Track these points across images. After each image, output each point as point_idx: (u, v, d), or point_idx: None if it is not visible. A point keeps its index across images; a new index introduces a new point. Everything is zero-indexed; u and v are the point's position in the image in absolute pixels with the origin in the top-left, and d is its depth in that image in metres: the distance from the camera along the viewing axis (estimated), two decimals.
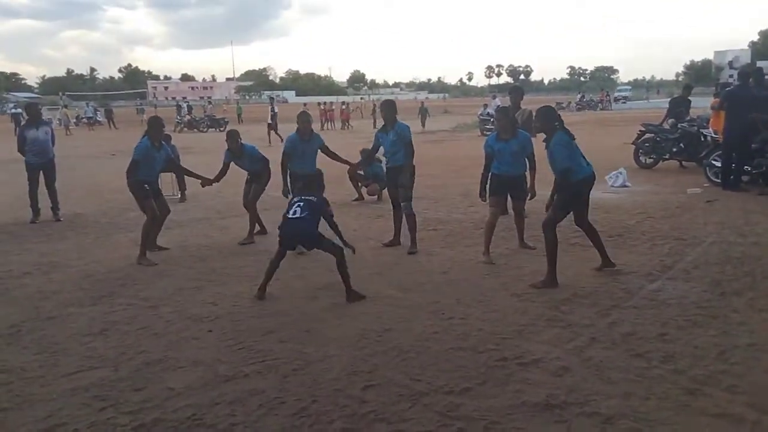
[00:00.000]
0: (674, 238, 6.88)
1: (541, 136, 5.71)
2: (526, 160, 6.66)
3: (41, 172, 9.22)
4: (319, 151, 7.22)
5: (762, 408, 3.23)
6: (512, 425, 3.18)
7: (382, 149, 7.00)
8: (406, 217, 6.83)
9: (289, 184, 7.07)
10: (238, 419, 3.32)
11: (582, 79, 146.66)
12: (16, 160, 10.55)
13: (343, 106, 35.68)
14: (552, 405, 3.35)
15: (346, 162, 7.47)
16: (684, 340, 4.15)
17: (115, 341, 4.48)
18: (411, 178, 6.73)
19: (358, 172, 9.72)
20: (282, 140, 21.50)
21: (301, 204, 5.32)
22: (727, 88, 11.56)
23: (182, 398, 3.57)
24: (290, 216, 5.29)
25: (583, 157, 5.54)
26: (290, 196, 5.58)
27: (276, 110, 25.13)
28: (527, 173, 6.75)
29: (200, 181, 7.48)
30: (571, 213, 5.65)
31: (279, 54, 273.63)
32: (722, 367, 3.73)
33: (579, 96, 52.16)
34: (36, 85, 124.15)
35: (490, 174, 6.59)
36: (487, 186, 6.65)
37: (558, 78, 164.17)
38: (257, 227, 7.67)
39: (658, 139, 12.51)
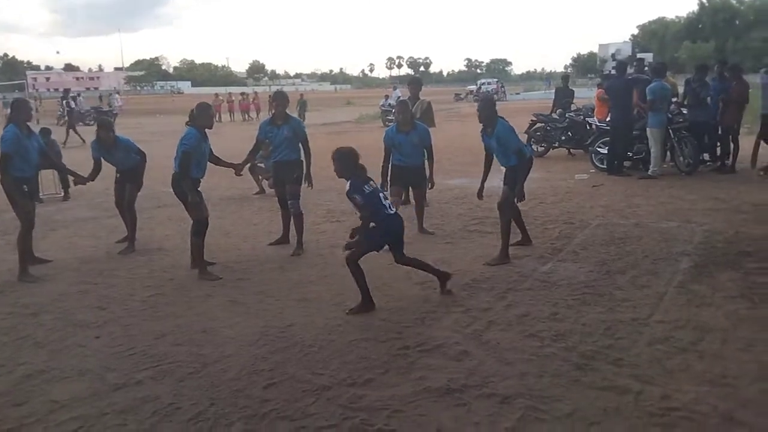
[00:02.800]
0: (564, 222, 7.25)
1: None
2: (425, 151, 6.78)
3: None
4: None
5: (645, 379, 3.45)
6: (415, 412, 3.21)
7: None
8: (294, 217, 6.48)
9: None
10: (129, 429, 3.14)
11: (479, 71, 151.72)
12: None
13: (241, 97, 34.71)
14: (453, 389, 3.42)
15: (230, 165, 6.27)
16: (573, 318, 4.37)
17: None
18: (302, 176, 6.42)
19: (258, 165, 9.49)
20: (83, 140, 19.27)
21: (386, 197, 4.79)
22: (608, 81, 12.31)
23: (67, 410, 3.33)
24: (391, 212, 4.68)
25: None
26: (367, 188, 4.59)
27: (73, 106, 23.01)
28: (425, 163, 6.87)
29: (74, 179, 6.60)
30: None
31: (172, 43, 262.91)
32: (608, 342, 3.96)
33: (476, 87, 53.72)
34: None
35: (390, 165, 6.70)
36: (388, 177, 6.74)
37: (456, 69, 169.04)
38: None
39: (548, 128, 13.12)
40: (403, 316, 4.53)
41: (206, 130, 5.85)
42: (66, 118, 31.41)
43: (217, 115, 30.55)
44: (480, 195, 6.21)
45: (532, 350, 3.88)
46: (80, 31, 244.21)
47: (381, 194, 4.71)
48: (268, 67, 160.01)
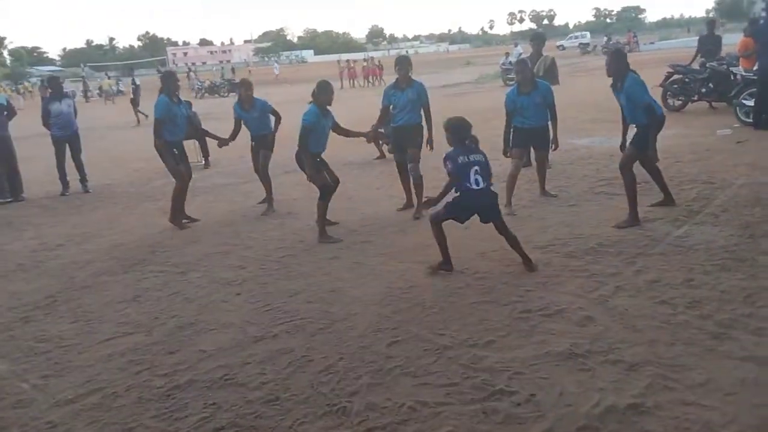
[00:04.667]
0: (702, 182, 6.74)
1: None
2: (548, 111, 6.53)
3: (67, 144, 9.37)
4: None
5: None
6: (536, 375, 3.21)
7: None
8: (414, 181, 6.53)
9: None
10: (268, 377, 3.42)
11: (608, 20, 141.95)
12: (42, 134, 10.73)
13: (365, 63, 35.08)
14: (576, 354, 3.38)
15: (359, 134, 6.57)
16: (710, 285, 4.12)
17: (148, 307, 4.62)
18: (422, 140, 6.46)
19: (379, 130, 9.66)
20: (147, 117, 19.99)
21: (480, 170, 4.69)
22: (754, 26, 11.07)
23: (214, 359, 3.69)
24: (475, 188, 4.65)
25: None
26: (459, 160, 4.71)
27: (138, 83, 22.74)
28: (549, 124, 6.63)
29: (217, 141, 7.26)
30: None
31: (296, 11, 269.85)
32: (749, 310, 3.70)
33: (605, 39, 50.47)
34: (58, 58, 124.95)
35: (512, 129, 6.52)
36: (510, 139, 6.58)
37: (583, 21, 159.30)
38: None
39: (686, 80, 12.10)
40: (525, 280, 4.50)
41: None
42: (202, 91, 33.62)
43: (340, 83, 31.39)
44: (622, 148, 5.93)
45: (663, 317, 3.71)
46: (211, 4, 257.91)
47: (474, 168, 4.66)
48: (387, 31, 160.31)
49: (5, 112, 9.23)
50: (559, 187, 7.12)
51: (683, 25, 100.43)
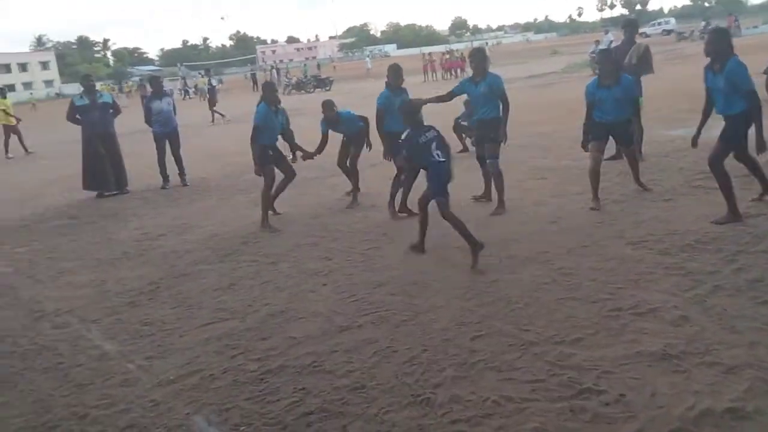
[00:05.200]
0: None
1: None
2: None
3: (167, 140, 9.93)
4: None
5: None
6: (627, 375, 3.13)
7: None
8: (493, 177, 6.41)
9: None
10: (354, 366, 3.53)
11: (707, 4, 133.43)
12: (142, 131, 11.42)
13: (446, 56, 34.84)
14: (670, 355, 3.26)
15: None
16: None
17: (242, 295, 4.86)
18: (502, 134, 6.28)
19: (461, 122, 9.63)
20: (223, 117, 20.78)
21: (437, 146, 5.10)
22: None
23: (303, 346, 3.84)
24: (440, 160, 5.07)
25: None
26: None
27: (214, 84, 22.74)
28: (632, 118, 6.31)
29: (302, 154, 7.40)
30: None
31: (379, 6, 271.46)
32: None
33: (703, 24, 47.52)
34: (157, 58, 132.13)
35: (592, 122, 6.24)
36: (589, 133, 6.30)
37: (679, 5, 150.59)
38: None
39: None
40: (615, 277, 4.36)
41: (275, 104, 6.84)
42: (290, 88, 34.51)
43: (423, 76, 31.35)
44: (695, 142, 5.57)
45: (766, 319, 3.51)
46: (296, 2, 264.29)
47: (433, 144, 5.09)
48: (471, 22, 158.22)
49: (111, 110, 9.89)
50: (653, 181, 6.82)
51: None
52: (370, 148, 7.47)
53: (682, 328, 3.54)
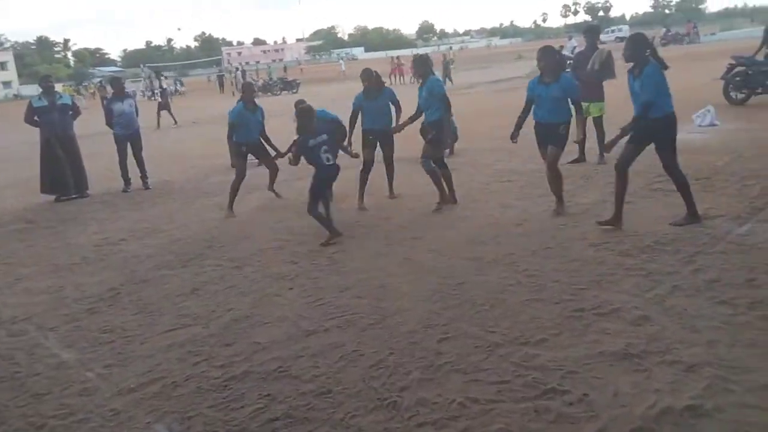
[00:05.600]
0: (766, 178, 6.47)
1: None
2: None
3: (129, 143, 9.72)
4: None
5: None
6: (589, 374, 3.17)
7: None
8: (429, 175, 6.69)
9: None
10: (320, 371, 3.49)
11: (666, 11, 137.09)
12: (103, 133, 11.17)
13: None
14: (631, 354, 3.31)
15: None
16: None
17: (205, 300, 4.78)
18: (445, 135, 6.64)
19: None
20: (175, 123, 19.77)
21: (328, 149, 5.89)
22: None
23: (268, 352, 3.79)
24: (327, 163, 5.88)
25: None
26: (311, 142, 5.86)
27: (165, 86, 21.91)
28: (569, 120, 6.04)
29: (275, 153, 7.76)
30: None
31: (346, 10, 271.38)
32: None
33: (664, 30, 48.82)
34: (119, 59, 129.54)
35: (529, 120, 6.13)
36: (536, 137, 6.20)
37: (641, 12, 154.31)
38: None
39: (750, 72, 11.61)
40: (578, 278, 4.43)
41: (251, 104, 7.48)
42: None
43: (389, 80, 31.37)
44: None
45: (724, 318, 3.60)
46: (261, 3, 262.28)
47: (323, 147, 5.84)
48: (438, 27, 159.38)
49: (70, 112, 9.64)
50: (613, 183, 6.93)
51: (747, 15, 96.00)
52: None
53: (643, 327, 3.61)
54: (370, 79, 7.09)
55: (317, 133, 5.87)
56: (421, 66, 6.71)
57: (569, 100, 5.90)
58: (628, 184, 5.43)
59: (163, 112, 20.42)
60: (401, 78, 33.70)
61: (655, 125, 5.19)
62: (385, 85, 7.46)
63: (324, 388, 3.30)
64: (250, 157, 7.73)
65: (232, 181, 7.46)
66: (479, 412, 2.96)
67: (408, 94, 7.42)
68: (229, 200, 7.47)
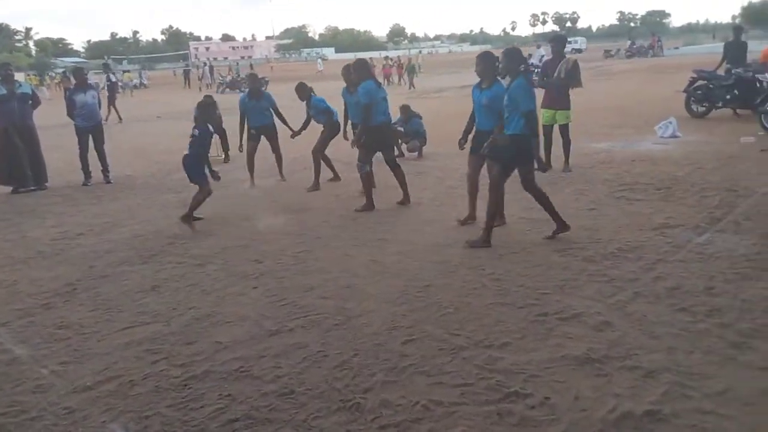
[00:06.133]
0: (725, 189, 6.65)
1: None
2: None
3: (90, 135, 9.48)
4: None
5: None
6: (552, 378, 3.20)
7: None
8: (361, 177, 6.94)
9: None
10: (283, 371, 3.44)
11: (632, 24, 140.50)
12: (63, 125, 10.87)
13: (384, 62, 35.05)
14: (592, 359, 3.35)
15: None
16: (731, 293, 4.06)
17: (166, 298, 4.66)
18: (356, 138, 6.86)
19: (398, 128, 9.67)
20: (120, 120, 19.28)
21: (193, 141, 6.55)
22: None
23: (230, 351, 3.72)
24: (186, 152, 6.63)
25: None
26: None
27: (113, 79, 20.85)
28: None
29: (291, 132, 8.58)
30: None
31: (317, 9, 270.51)
32: None
33: (629, 43, 50.02)
34: (82, 50, 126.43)
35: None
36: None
37: (607, 24, 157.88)
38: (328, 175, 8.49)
39: (711, 86, 11.97)
40: (542, 283, 4.47)
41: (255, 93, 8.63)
42: (224, 86, 33.73)
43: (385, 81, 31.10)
44: (461, 146, 6.09)
45: (683, 325, 3.68)
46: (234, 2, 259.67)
47: (208, 137, 6.67)
48: (408, 30, 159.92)
49: (30, 101, 9.35)
50: (579, 190, 7.07)
51: (708, 30, 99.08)
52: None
53: (605, 333, 3.66)
54: (349, 75, 7.49)
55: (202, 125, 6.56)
56: (349, 73, 7.39)
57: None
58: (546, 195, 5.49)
59: (113, 106, 19.62)
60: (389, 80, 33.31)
61: (532, 138, 5.26)
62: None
63: (286, 389, 3.25)
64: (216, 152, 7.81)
65: (246, 160, 8.51)
66: (442, 414, 2.95)
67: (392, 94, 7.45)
68: (250, 174, 8.57)
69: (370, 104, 6.60)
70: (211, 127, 6.64)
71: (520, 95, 5.09)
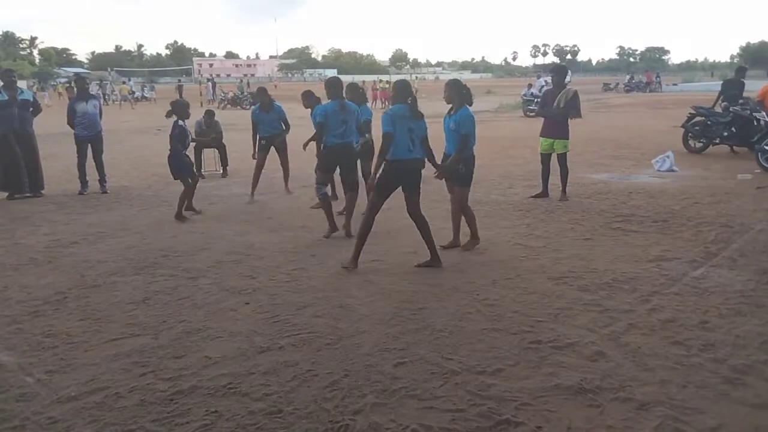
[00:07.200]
0: (721, 225, 6.67)
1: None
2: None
3: (89, 144, 9.47)
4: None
5: None
6: (544, 407, 3.15)
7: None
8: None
9: None
10: (272, 389, 3.39)
11: (631, 59, 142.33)
12: (63, 133, 10.86)
13: (386, 85, 35.50)
14: (585, 389, 3.31)
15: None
16: (725, 328, 4.04)
17: (157, 310, 4.61)
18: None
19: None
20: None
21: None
22: None
23: (219, 367, 3.66)
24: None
25: None
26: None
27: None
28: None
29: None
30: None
31: (321, 30, 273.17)
32: (764, 357, 3.62)
33: (628, 77, 50.61)
34: (86, 61, 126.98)
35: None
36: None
37: (606, 58, 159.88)
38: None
39: (708, 122, 12.08)
40: (536, 310, 4.44)
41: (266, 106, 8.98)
42: (225, 102, 33.97)
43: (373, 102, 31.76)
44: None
45: (676, 358, 3.65)
46: (238, 19, 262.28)
47: (183, 134, 7.49)
48: (411, 56, 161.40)
49: (30, 108, 9.35)
50: (575, 220, 7.07)
51: (707, 69, 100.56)
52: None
53: (598, 363, 3.62)
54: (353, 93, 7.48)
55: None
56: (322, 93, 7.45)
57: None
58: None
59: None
60: (374, 102, 33.84)
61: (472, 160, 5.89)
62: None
63: (274, 408, 3.19)
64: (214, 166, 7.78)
65: (254, 172, 8.68)
66: None
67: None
68: (252, 188, 8.71)
69: (322, 123, 6.59)
70: (182, 122, 7.45)
71: (465, 121, 5.69)
